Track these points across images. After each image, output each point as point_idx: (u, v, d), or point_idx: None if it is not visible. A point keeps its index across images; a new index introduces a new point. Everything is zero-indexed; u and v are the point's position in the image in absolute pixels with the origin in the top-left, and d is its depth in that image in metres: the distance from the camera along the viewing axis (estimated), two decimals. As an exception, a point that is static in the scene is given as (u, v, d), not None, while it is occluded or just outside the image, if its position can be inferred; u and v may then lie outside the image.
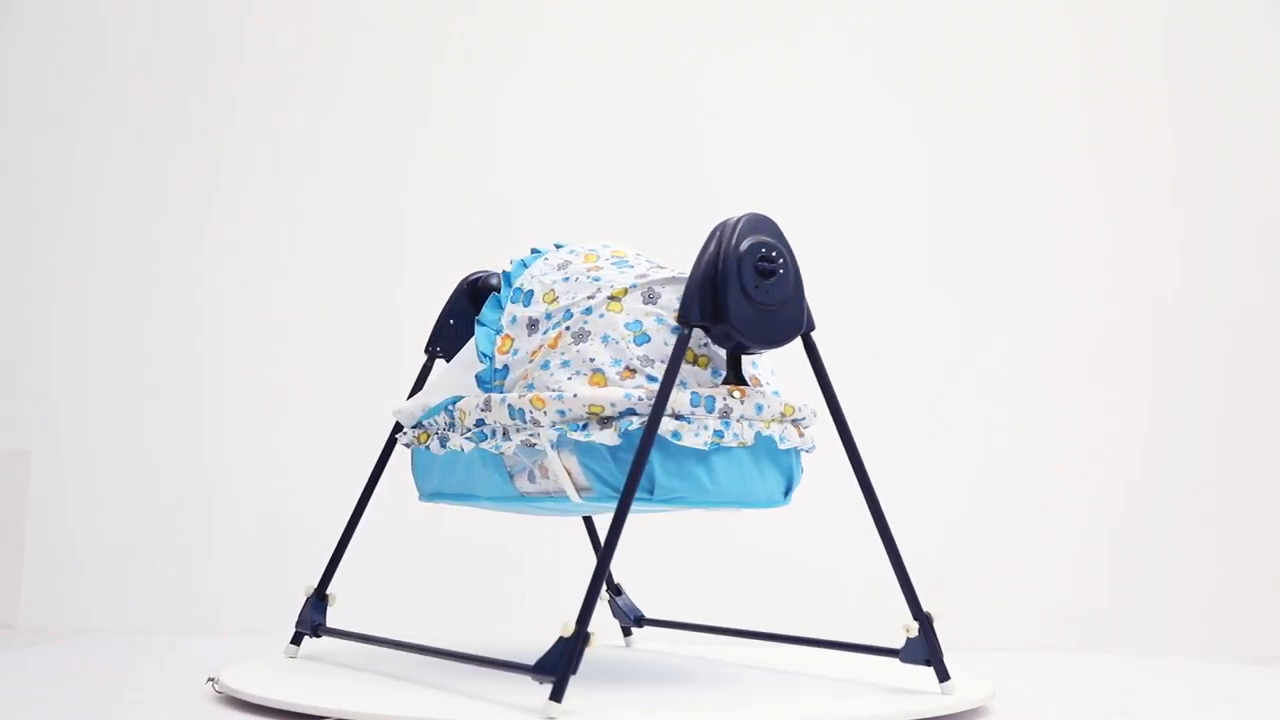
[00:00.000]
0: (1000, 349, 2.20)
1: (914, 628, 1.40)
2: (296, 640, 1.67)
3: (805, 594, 2.10)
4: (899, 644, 1.42)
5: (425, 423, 1.53)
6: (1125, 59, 2.26)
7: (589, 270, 1.43)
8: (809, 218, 2.25)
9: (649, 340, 1.36)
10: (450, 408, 1.48)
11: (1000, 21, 2.29)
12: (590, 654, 1.22)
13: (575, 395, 1.32)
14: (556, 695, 1.21)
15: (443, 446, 1.50)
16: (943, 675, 1.39)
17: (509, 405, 1.38)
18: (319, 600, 1.66)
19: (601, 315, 1.37)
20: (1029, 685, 1.67)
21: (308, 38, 2.30)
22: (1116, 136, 2.24)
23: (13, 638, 1.99)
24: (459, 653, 1.40)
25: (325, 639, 1.65)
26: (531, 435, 1.36)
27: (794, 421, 1.43)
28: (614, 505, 1.29)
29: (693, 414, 1.32)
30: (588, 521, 1.80)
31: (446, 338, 1.68)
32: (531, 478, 1.41)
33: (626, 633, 1.85)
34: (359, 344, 2.22)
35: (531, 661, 1.23)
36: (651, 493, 1.32)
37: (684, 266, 1.39)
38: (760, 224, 1.37)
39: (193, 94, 2.27)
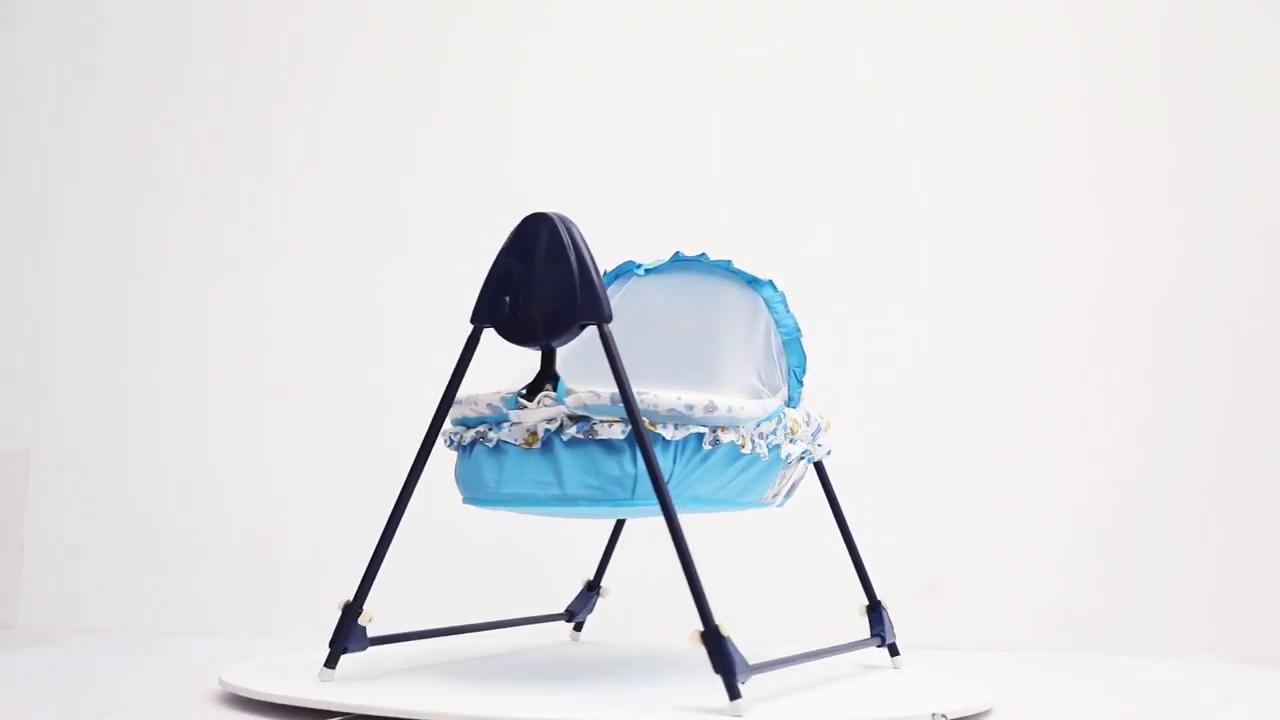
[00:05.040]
0: (996, 349, 2.20)
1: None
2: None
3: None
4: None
5: (739, 428, 1.42)
6: (1123, 60, 2.26)
7: None
8: (809, 218, 2.25)
9: None
10: (781, 417, 1.50)
11: (998, 23, 2.29)
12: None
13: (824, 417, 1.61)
14: None
15: (771, 452, 1.48)
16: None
17: (817, 424, 1.58)
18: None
19: None
20: (1029, 685, 1.67)
21: (306, 38, 2.30)
22: (1114, 137, 2.24)
23: (13, 638, 2.00)
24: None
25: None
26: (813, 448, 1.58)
27: None
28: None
29: None
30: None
31: None
32: (771, 485, 1.54)
33: None
34: (358, 345, 2.22)
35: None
36: None
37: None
38: None
39: (192, 96, 2.27)
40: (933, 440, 2.17)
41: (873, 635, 1.67)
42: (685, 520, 1.34)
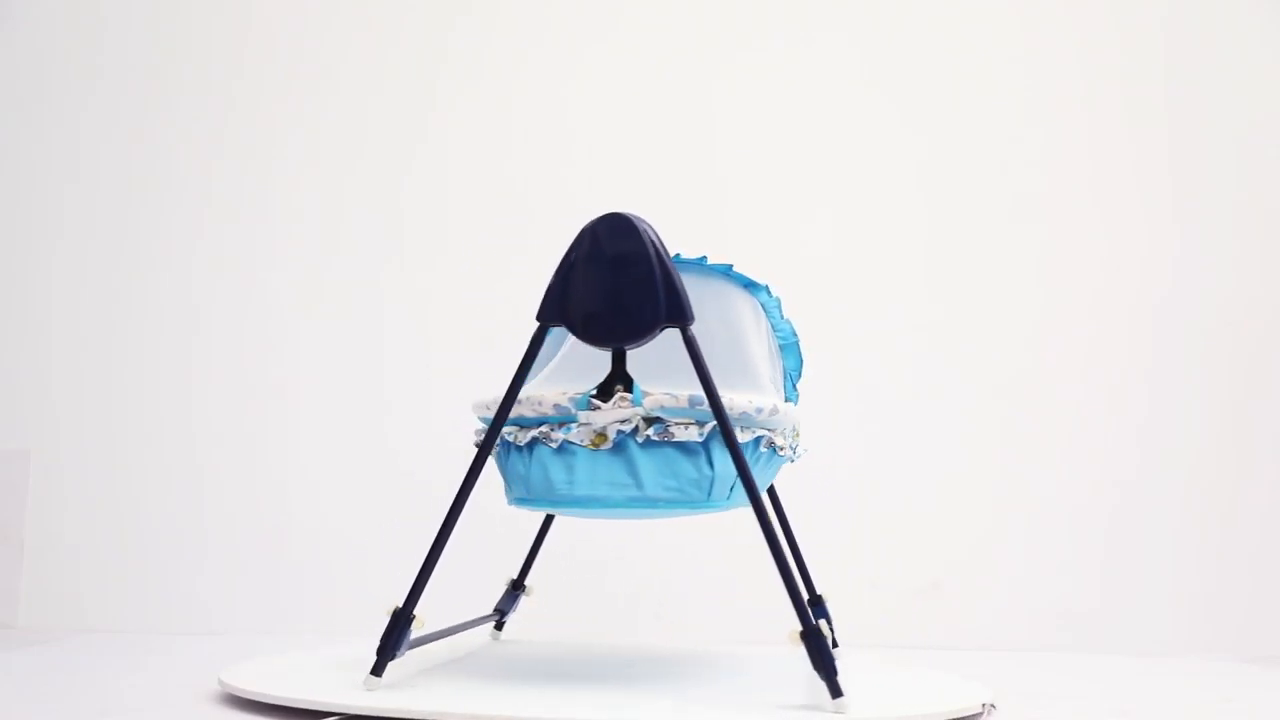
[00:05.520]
0: (996, 349, 2.20)
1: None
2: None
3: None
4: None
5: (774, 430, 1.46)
6: (1123, 60, 2.26)
7: None
8: (809, 219, 2.25)
9: None
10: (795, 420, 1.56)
11: (998, 23, 2.29)
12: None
13: None
14: None
15: (793, 451, 1.55)
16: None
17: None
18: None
19: None
20: (1029, 685, 1.67)
21: (306, 38, 2.30)
22: (1114, 137, 2.24)
23: (13, 638, 2.00)
24: None
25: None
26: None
27: None
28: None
29: None
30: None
31: None
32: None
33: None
34: (358, 345, 2.22)
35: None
36: None
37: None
38: None
39: (192, 96, 2.28)
40: (933, 440, 2.17)
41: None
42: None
